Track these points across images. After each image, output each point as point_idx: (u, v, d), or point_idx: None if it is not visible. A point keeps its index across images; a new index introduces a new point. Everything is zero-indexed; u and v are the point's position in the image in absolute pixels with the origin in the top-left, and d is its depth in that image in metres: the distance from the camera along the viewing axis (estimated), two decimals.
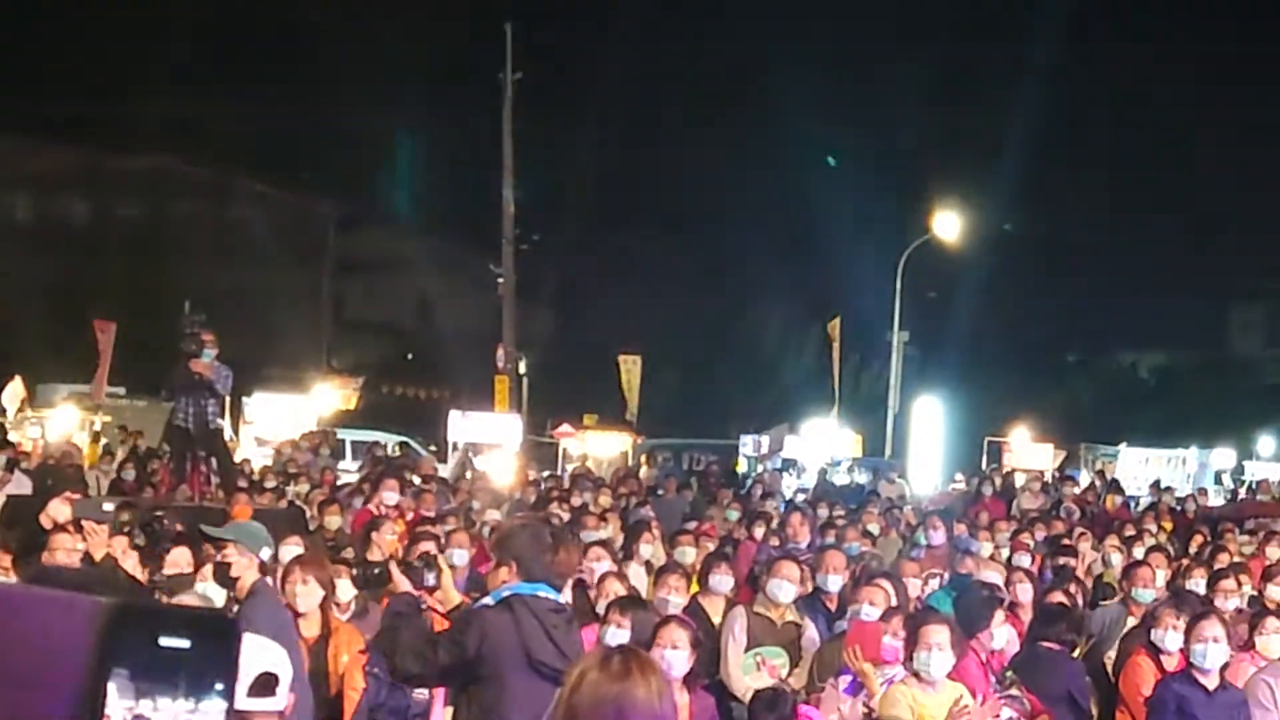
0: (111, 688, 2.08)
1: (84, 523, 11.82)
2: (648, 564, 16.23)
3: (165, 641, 2.13)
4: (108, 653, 2.11)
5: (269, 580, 10.47)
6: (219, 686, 2.14)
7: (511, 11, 48.26)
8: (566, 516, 20.97)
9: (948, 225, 54.22)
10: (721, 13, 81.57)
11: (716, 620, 13.03)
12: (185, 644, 2.13)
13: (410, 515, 19.30)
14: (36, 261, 60.56)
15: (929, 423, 52.04)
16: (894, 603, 12.09)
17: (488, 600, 8.40)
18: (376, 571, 10.17)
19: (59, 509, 12.75)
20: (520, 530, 8.62)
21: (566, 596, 11.32)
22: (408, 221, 71.82)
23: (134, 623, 2.14)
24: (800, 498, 30.84)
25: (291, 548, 13.18)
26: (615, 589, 12.23)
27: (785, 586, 12.77)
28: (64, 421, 40.59)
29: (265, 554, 10.28)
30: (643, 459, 46.34)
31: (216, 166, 68.55)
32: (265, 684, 6.41)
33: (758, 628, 12.51)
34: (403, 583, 9.15)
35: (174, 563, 10.99)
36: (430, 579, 9.32)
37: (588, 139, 69.21)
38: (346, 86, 70.08)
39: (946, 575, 16.24)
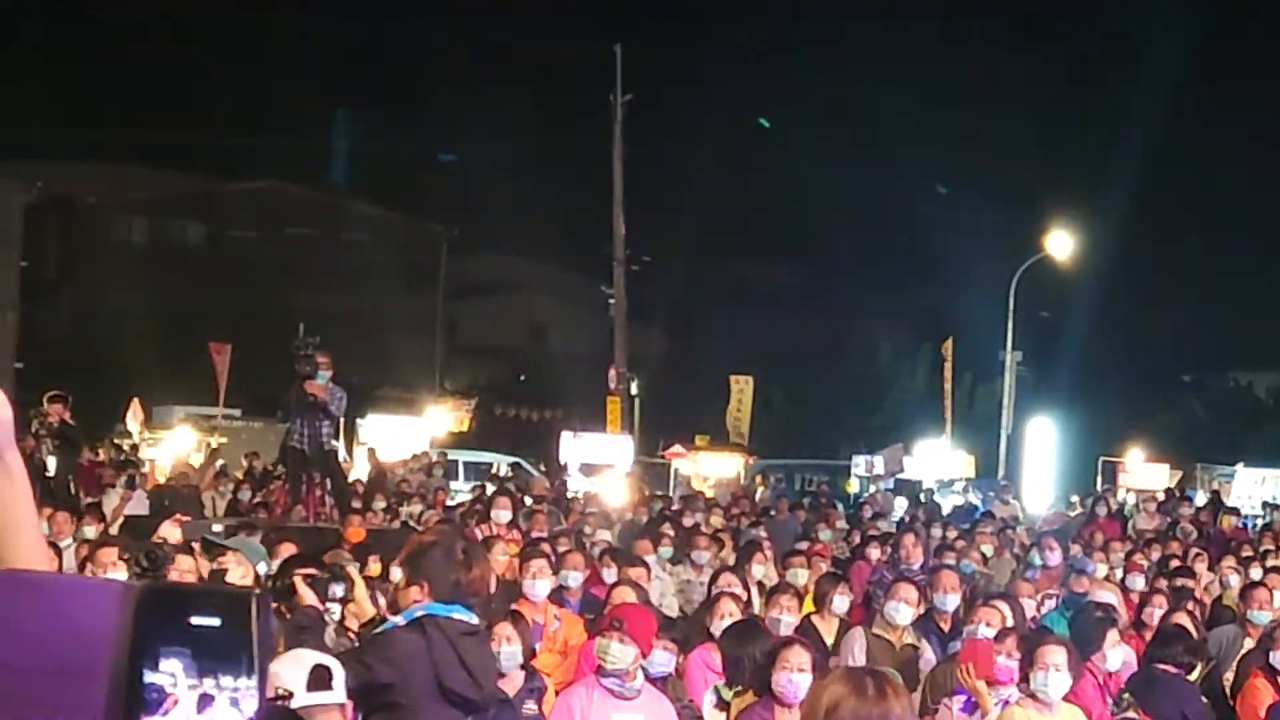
0: (147, 667, 2.13)
1: (194, 545, 11.94)
2: (760, 584, 16.22)
3: (196, 620, 2.16)
4: (142, 633, 2.16)
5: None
6: (250, 661, 2.16)
7: (622, 33, 48.46)
8: (674, 535, 21.06)
9: (1061, 245, 53.85)
10: (834, 35, 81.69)
11: (829, 640, 13.01)
12: (215, 621, 2.16)
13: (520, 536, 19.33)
14: (152, 285, 61.24)
15: (1042, 443, 51.70)
16: (1009, 623, 12.01)
17: (399, 620, 7.88)
18: (283, 584, 9.20)
19: (170, 530, 12.92)
20: (432, 547, 8.05)
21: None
22: (520, 244, 72.09)
23: (166, 603, 2.19)
24: (910, 519, 30.71)
25: (394, 570, 13.29)
26: (731, 609, 12.22)
27: (903, 609, 12.76)
28: (180, 443, 40.97)
29: (261, 569, 10.28)
30: (755, 479, 46.23)
31: (330, 190, 69.17)
32: (320, 678, 6.47)
33: (876, 649, 12.47)
34: (307, 595, 8.80)
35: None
36: (339, 591, 9.05)
37: (698, 160, 69.33)
38: (459, 110, 70.60)
39: (1061, 596, 16.15)
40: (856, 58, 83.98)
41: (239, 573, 10.11)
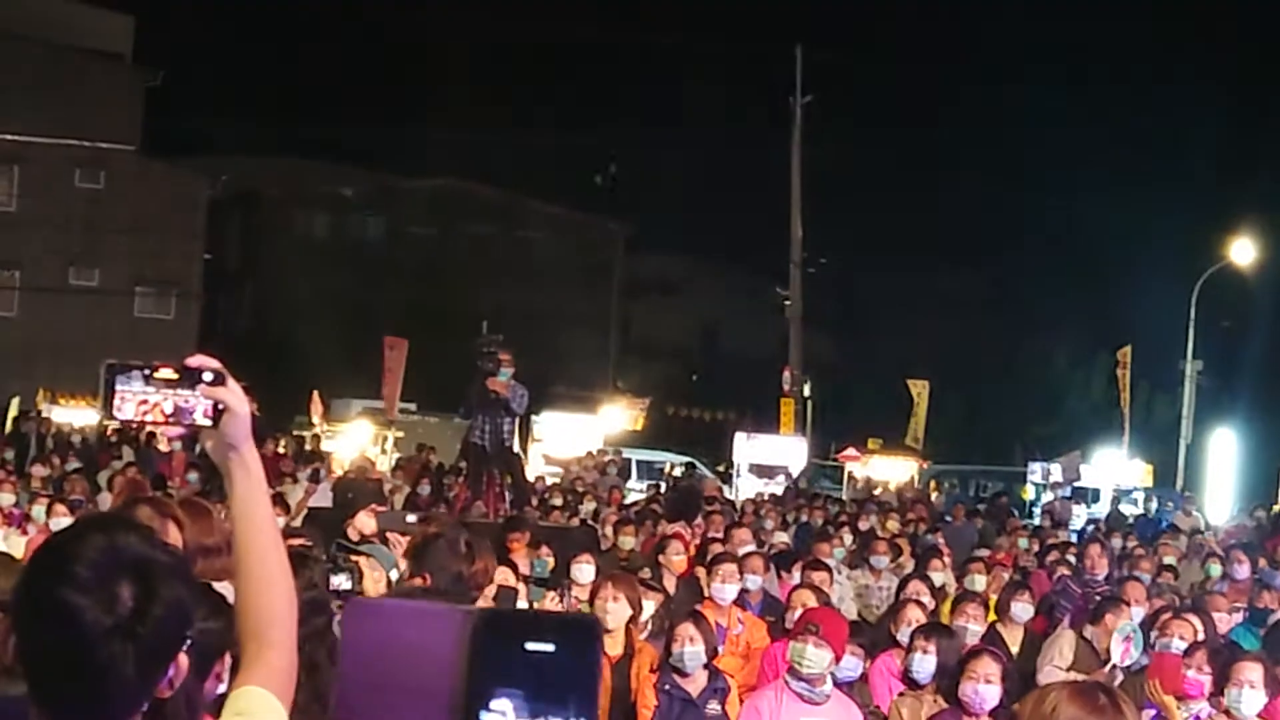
0: (487, 692, 2.21)
1: (389, 535, 12.01)
2: (939, 590, 16.11)
3: (531, 646, 2.23)
4: (480, 659, 2.22)
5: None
6: (584, 684, 2.25)
7: (803, 34, 48.34)
8: (850, 540, 20.98)
9: (1244, 252, 53.03)
10: (1011, 39, 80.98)
11: (1014, 649, 12.90)
12: (550, 647, 2.23)
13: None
14: (332, 280, 62.02)
15: (1223, 454, 50.96)
16: (1200, 637, 11.84)
17: None
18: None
19: (365, 521, 13.02)
20: (435, 539, 7.98)
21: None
22: (694, 244, 72.21)
23: (503, 629, 2.27)
24: (1091, 528, 30.37)
25: (584, 566, 13.34)
26: (917, 616, 12.15)
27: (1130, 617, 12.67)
28: (358, 436, 41.38)
29: (393, 574, 10.29)
30: (929, 485, 45.97)
31: (507, 188, 69.60)
32: None
33: (1084, 655, 12.36)
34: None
35: (503, 577, 11.10)
36: (343, 582, 8.86)
37: (876, 162, 69.10)
38: (636, 108, 70.86)
39: (1246, 610, 15.91)
40: (1034, 58, 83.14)
41: (374, 576, 10.18)
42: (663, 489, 34.21)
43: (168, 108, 61.98)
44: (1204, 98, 77.31)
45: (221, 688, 5.26)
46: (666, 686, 10.44)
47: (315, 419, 41.17)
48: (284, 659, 3.58)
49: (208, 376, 3.43)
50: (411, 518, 13.60)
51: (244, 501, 3.60)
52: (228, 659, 5.27)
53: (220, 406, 3.45)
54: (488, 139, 67.06)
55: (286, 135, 69.77)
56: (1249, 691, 9.93)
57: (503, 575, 11.03)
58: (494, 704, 2.21)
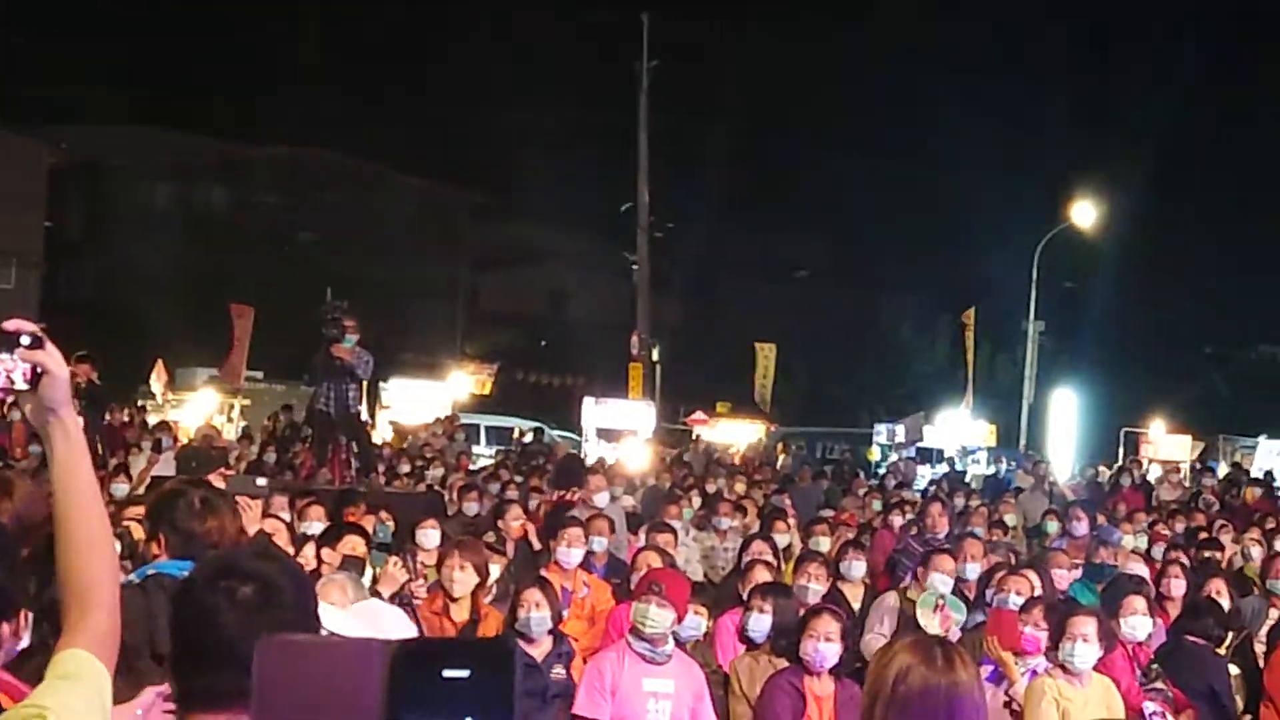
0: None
1: (239, 499, 11.90)
2: (785, 551, 16.26)
3: (448, 673, 2.29)
4: (398, 689, 2.30)
5: None
6: (499, 707, 2.29)
7: (648, 1, 48.22)
8: (699, 503, 21.10)
9: (1085, 214, 53.72)
10: (856, 4, 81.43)
11: (855, 606, 13.05)
12: (465, 673, 2.29)
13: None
14: (177, 249, 61.31)
15: (1064, 413, 51.71)
16: (1037, 593, 12.02)
17: (133, 577, 7.15)
18: None
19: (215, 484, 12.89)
20: (170, 498, 7.49)
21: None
22: (543, 211, 72.08)
23: (420, 659, 2.33)
24: (933, 488, 30.71)
25: (429, 531, 13.31)
26: (763, 576, 12.27)
27: (944, 580, 12.78)
28: (203, 405, 41.03)
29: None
30: (777, 447, 46.26)
31: (356, 157, 69.12)
32: None
33: (905, 618, 12.48)
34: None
35: (350, 546, 11.05)
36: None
37: (723, 127, 69.22)
38: (483, 78, 70.59)
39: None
40: (883, 26, 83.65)
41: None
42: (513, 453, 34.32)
43: (7, 74, 60.96)
44: (1047, 61, 78.29)
45: (21, 644, 5.22)
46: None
47: (157, 388, 40.70)
48: (106, 622, 3.57)
49: (25, 340, 3.40)
50: (261, 481, 13.52)
51: (64, 465, 3.59)
52: (25, 616, 5.23)
53: (39, 370, 3.42)
54: (337, 106, 66.63)
55: (131, 103, 68.91)
56: (1083, 645, 10.09)
57: (351, 545, 11.01)
58: None
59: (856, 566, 13.86)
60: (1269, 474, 38.15)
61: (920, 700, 4.51)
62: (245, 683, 2.76)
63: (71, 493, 3.57)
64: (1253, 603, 15.25)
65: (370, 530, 12.29)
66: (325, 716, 2.41)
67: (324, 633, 6.76)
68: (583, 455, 35.15)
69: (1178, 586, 14.30)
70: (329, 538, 11.63)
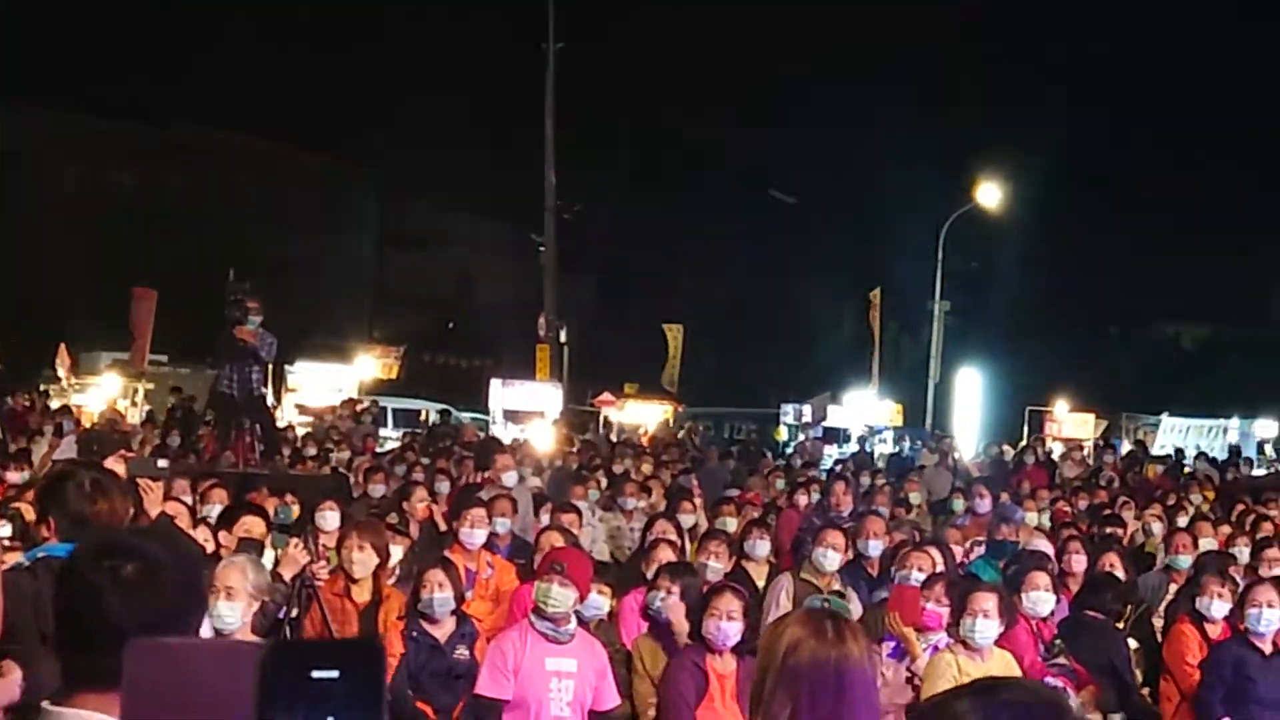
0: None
1: (140, 482, 11.84)
2: (691, 531, 16.29)
3: (317, 674, 2.32)
4: (269, 689, 2.31)
5: None
6: (368, 704, 2.32)
7: None
8: (606, 483, 21.11)
9: (990, 195, 54.00)
10: None
11: (760, 584, 13.07)
12: (334, 674, 2.32)
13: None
14: (81, 232, 60.71)
15: (969, 393, 52.06)
16: (939, 569, 12.08)
17: (21, 560, 7.10)
18: None
19: (114, 468, 12.77)
20: (60, 480, 7.38)
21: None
22: (451, 193, 71.79)
23: (289, 660, 2.34)
24: (839, 467, 30.83)
25: (328, 513, 13.24)
26: (667, 555, 12.29)
27: (831, 555, 12.80)
28: (108, 389, 40.73)
29: None
30: (684, 428, 46.34)
31: (262, 138, 68.68)
32: None
33: (803, 595, 12.50)
34: None
35: (246, 528, 10.98)
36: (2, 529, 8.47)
37: (631, 109, 69.21)
38: (391, 59, 70.19)
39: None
40: (790, 7, 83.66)
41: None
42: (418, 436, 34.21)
43: None
44: (953, 42, 78.56)
45: None
46: (414, 633, 10.46)
47: (61, 372, 40.36)
48: None
49: None
50: (162, 463, 13.42)
51: None
52: None
53: None
54: (242, 89, 66.06)
55: (32, 85, 68.10)
56: (984, 621, 10.14)
57: (247, 527, 10.94)
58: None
59: (761, 546, 13.84)
60: (1179, 452, 38.58)
61: (810, 673, 4.54)
62: None
63: None
64: (1152, 578, 15.42)
65: (272, 512, 12.22)
66: (196, 718, 2.44)
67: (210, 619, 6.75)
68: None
69: (1079, 562, 14.45)
70: (226, 520, 11.57)
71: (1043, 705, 2.84)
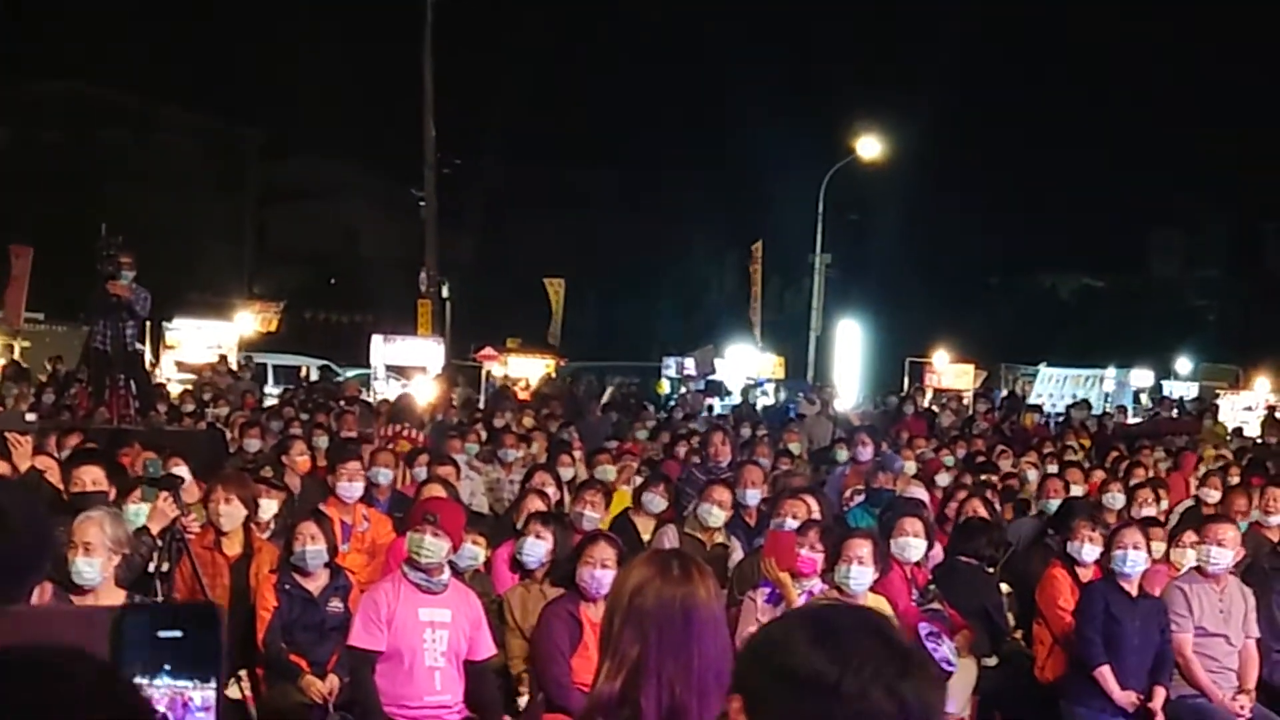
0: (137, 678, 2.49)
1: (8, 435, 11.72)
2: (570, 483, 16.27)
3: (163, 634, 2.53)
4: (121, 648, 2.51)
5: None
6: (208, 666, 2.54)
7: None
8: (485, 437, 21.05)
9: (869, 147, 54.15)
10: None
11: (647, 538, 13.07)
12: (178, 633, 2.53)
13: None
14: None
15: (850, 344, 52.32)
16: (815, 516, 12.12)
17: None
18: None
19: None
20: None
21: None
22: (332, 148, 71.37)
23: (137, 620, 2.56)
24: (717, 418, 30.92)
25: (179, 469, 12.92)
26: (537, 505, 12.28)
27: (715, 511, 12.82)
28: None
29: None
30: (566, 381, 46.32)
31: (139, 92, 67.90)
32: None
33: (688, 548, 12.51)
34: None
35: (81, 480, 10.84)
36: None
37: (512, 61, 68.95)
38: (269, 11, 69.58)
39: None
40: None
41: None
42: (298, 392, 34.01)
43: None
44: None
45: None
46: (287, 586, 10.42)
47: None
48: None
49: None
50: (31, 417, 13.29)
51: None
52: None
53: None
54: (120, 42, 65.34)
55: None
56: (858, 568, 10.23)
57: (93, 477, 10.79)
58: (142, 679, 2.49)
59: (658, 501, 13.77)
60: (1019, 403, 38.88)
61: (656, 611, 4.53)
62: None
63: None
64: (1025, 524, 15.58)
65: (141, 467, 12.05)
66: None
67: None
68: (373, 394, 35.05)
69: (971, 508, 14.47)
70: (70, 466, 11.36)
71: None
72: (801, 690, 2.71)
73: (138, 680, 2.48)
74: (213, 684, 2.53)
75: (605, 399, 36.74)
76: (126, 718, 2.15)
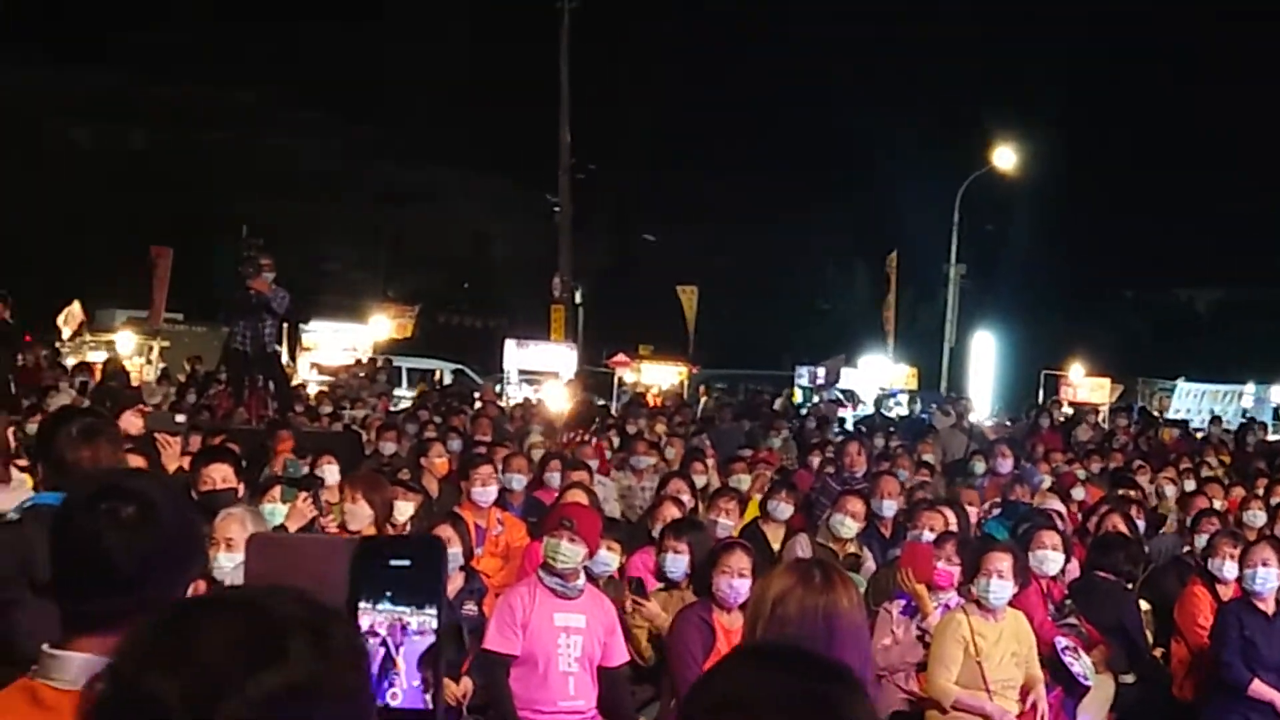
0: (362, 603, 2.77)
1: (158, 436, 11.80)
2: (703, 490, 16.23)
3: (394, 562, 2.79)
4: (357, 574, 2.79)
5: None
6: (433, 587, 2.81)
7: None
8: (619, 443, 21.08)
9: (1005, 158, 53.82)
10: None
11: (775, 547, 13.03)
12: (407, 562, 2.79)
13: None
14: (92, 188, 60.74)
15: (984, 356, 51.97)
16: (952, 528, 12.04)
17: (10, 514, 6.84)
18: None
19: (131, 421, 12.72)
20: (54, 426, 7.14)
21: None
22: (465, 152, 71.77)
23: (372, 551, 2.82)
24: (853, 428, 30.76)
25: (327, 467, 13.08)
26: (673, 514, 12.26)
27: (849, 523, 12.78)
28: (123, 346, 40.74)
29: None
30: (699, 390, 46.30)
31: (277, 96, 68.66)
32: None
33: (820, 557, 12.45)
34: None
35: (210, 478, 10.88)
36: None
37: (646, 68, 69.08)
38: (403, 16, 70.07)
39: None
40: None
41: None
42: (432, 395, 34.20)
43: None
44: (969, 3, 78.36)
45: None
46: None
47: (66, 329, 40.26)
48: None
49: None
50: (180, 418, 13.41)
51: None
52: None
53: None
54: (255, 45, 66.10)
55: (43, 44, 68.10)
56: (998, 581, 10.14)
57: (222, 475, 10.86)
58: (366, 604, 2.76)
59: (784, 508, 13.77)
60: (1155, 418, 38.39)
61: (799, 621, 4.51)
62: (129, 604, 3.12)
63: None
64: (1167, 540, 15.40)
65: (281, 467, 12.15)
66: None
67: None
68: (506, 399, 35.17)
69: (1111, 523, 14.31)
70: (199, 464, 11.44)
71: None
72: None
73: (362, 604, 2.75)
74: (430, 610, 2.77)
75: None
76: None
